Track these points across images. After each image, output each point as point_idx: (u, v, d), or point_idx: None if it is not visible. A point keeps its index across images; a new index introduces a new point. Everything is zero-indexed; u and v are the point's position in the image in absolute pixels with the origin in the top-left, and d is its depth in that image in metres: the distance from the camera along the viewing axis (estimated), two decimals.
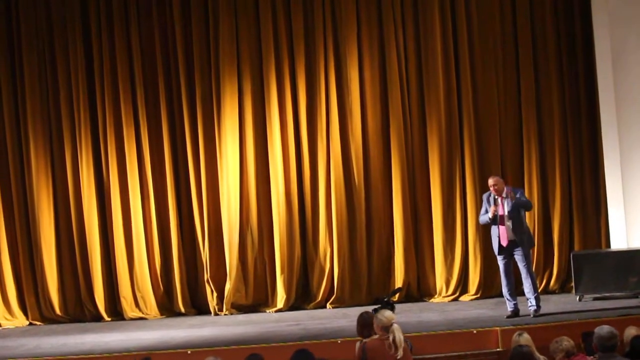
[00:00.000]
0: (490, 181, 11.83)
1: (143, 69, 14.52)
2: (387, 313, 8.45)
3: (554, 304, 12.57)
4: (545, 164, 14.21)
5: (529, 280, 11.68)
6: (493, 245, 11.87)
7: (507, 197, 11.65)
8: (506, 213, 11.66)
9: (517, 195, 11.69)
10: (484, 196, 11.97)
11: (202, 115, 14.38)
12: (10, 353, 11.64)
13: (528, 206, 11.95)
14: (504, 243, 11.66)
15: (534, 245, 12.53)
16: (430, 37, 14.22)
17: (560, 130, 14.19)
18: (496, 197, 11.70)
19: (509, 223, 11.65)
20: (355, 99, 14.27)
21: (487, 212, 11.80)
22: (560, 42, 14.25)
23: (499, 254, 11.79)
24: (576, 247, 13.98)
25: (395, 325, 8.22)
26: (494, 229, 11.82)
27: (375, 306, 9.50)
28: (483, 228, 13.74)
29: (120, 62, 14.48)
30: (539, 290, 12.29)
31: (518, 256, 11.70)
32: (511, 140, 14.32)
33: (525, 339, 8.82)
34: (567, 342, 8.50)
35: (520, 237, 11.67)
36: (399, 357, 8.06)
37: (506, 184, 12.15)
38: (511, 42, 14.31)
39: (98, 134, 14.53)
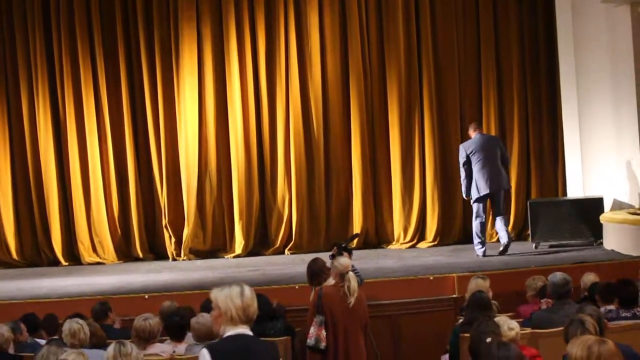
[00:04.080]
0: None
1: (101, 12, 14.31)
2: (343, 260, 8.46)
3: (511, 251, 12.64)
4: (503, 113, 14.29)
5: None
6: None
7: None
8: None
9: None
10: None
11: (160, 60, 14.23)
12: None
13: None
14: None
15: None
16: None
17: (519, 80, 14.26)
18: None
19: None
20: (315, 45, 14.19)
21: None
22: None
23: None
24: (533, 195, 14.11)
25: (350, 274, 8.21)
26: None
27: (333, 252, 9.52)
28: (441, 176, 13.93)
29: (77, 5, 14.24)
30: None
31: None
32: (470, 90, 14.37)
33: (481, 284, 8.89)
34: (542, 282, 8.67)
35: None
36: (351, 305, 8.07)
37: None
38: None
39: (55, 77, 14.35)
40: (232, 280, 5.04)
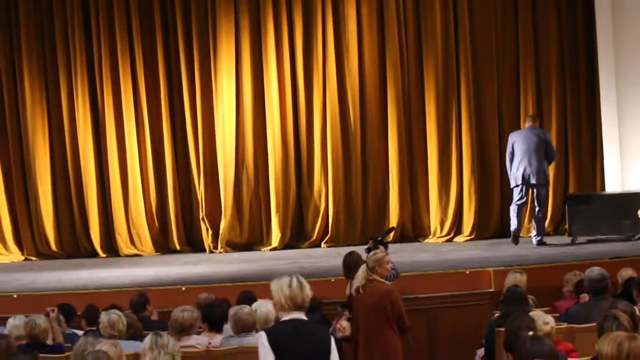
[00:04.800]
0: None
1: (139, 4, 14.33)
2: (370, 255, 8.54)
3: (548, 245, 12.61)
4: (541, 106, 14.19)
5: None
6: None
7: None
8: None
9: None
10: None
11: (198, 52, 14.27)
12: (6, 287, 11.66)
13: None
14: None
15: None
16: None
17: (557, 74, 14.15)
18: None
19: None
20: (352, 37, 14.18)
21: None
22: None
23: None
24: (571, 189, 14.02)
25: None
26: None
27: (369, 245, 9.54)
28: (479, 170, 13.93)
29: None
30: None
31: None
32: (508, 83, 14.29)
33: (519, 279, 8.87)
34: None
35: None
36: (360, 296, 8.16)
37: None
38: None
39: (94, 70, 14.39)
40: (271, 273, 5.29)
